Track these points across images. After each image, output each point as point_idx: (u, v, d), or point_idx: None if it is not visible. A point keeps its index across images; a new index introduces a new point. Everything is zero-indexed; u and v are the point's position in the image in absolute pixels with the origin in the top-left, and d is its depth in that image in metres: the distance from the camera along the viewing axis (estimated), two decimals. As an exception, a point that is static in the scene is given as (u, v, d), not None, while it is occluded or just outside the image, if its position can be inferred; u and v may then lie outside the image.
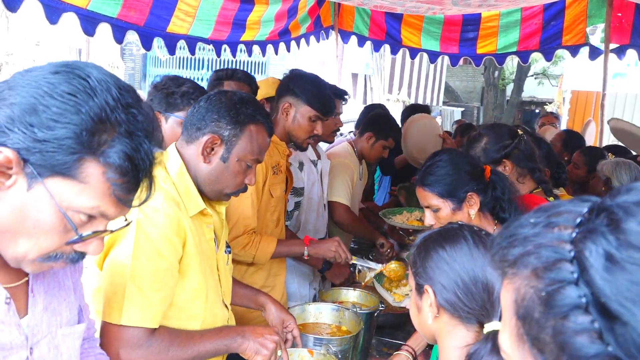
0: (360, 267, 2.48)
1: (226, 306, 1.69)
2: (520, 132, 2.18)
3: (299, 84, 2.40)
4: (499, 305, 1.10)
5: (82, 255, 0.93)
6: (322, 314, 2.23)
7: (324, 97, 2.41)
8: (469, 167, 1.80)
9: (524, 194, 2.11)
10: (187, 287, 1.50)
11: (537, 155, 2.21)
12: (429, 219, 1.82)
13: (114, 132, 0.85)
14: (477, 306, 1.12)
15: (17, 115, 0.80)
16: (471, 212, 1.76)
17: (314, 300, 2.71)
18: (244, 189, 1.67)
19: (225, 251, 1.73)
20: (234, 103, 1.59)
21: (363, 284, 2.46)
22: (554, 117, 5.93)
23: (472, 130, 4.33)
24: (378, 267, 2.42)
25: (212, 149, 1.56)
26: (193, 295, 1.52)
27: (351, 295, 2.46)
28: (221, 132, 1.56)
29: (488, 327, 1.09)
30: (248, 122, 1.59)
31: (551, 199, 2.17)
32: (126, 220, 0.97)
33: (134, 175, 0.88)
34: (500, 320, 1.09)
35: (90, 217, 0.89)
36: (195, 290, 1.52)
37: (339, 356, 1.86)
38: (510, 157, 2.13)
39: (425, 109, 4.99)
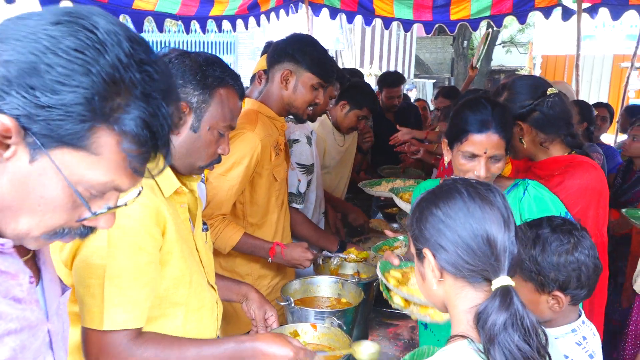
0: (323, 257, 2.42)
1: (212, 286, 1.59)
2: (549, 91, 1.92)
3: (299, 48, 2.16)
4: (505, 258, 1.03)
5: (91, 229, 0.84)
6: (320, 287, 2.17)
7: (326, 63, 2.22)
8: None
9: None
10: (168, 275, 1.38)
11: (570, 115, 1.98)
12: (482, 170, 1.63)
13: (128, 95, 0.74)
14: (480, 262, 1.03)
15: (15, 76, 0.69)
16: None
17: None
18: (218, 160, 1.53)
19: (203, 229, 1.60)
20: (199, 65, 1.45)
21: (330, 272, 2.41)
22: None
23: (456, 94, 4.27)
24: (340, 255, 2.39)
25: (180, 118, 1.42)
26: (175, 283, 1.40)
27: (349, 266, 2.42)
28: (189, 99, 1.42)
29: (496, 283, 1.03)
30: (217, 85, 1.46)
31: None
32: (140, 191, 0.87)
33: (153, 143, 0.78)
34: (508, 274, 1.04)
35: (102, 192, 0.79)
36: (177, 277, 1.39)
37: (344, 328, 1.81)
38: (528, 120, 1.91)
39: (399, 76, 4.94)
